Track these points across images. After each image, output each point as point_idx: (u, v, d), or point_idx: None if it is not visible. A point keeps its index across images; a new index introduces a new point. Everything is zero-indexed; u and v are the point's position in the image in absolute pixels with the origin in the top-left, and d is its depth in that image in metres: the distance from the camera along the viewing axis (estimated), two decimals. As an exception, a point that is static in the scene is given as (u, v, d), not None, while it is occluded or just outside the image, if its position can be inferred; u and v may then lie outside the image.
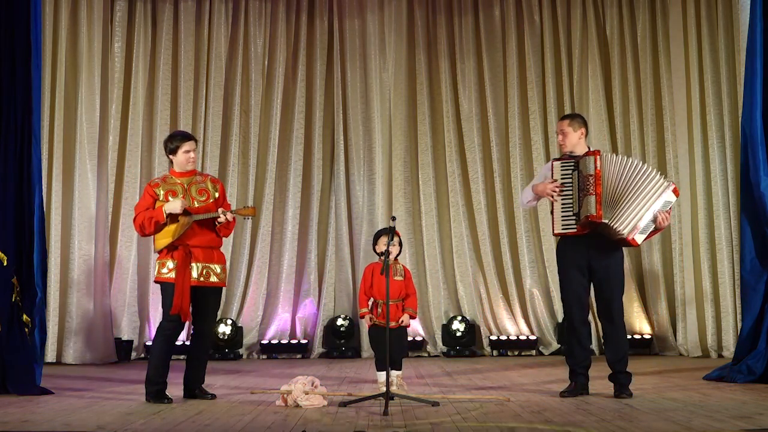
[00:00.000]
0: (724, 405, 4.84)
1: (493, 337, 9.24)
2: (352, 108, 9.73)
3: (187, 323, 5.49)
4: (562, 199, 5.37)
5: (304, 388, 5.10)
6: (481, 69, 9.81)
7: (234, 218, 5.52)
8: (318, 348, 9.25)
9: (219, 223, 5.45)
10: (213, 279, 5.49)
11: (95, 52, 8.99)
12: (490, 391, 5.77)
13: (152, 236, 5.49)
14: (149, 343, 8.94)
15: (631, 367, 5.49)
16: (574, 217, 5.31)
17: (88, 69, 8.96)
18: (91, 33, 8.99)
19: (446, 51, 9.81)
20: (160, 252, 5.44)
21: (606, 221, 5.19)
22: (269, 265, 9.49)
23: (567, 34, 9.80)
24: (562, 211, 5.36)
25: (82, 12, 8.98)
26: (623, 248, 5.50)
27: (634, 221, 5.20)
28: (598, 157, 5.25)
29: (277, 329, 9.36)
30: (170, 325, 5.36)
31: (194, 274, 5.38)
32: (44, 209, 6.40)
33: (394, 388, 5.42)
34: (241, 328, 9.20)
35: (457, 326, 9.13)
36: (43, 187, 6.41)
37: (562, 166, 5.44)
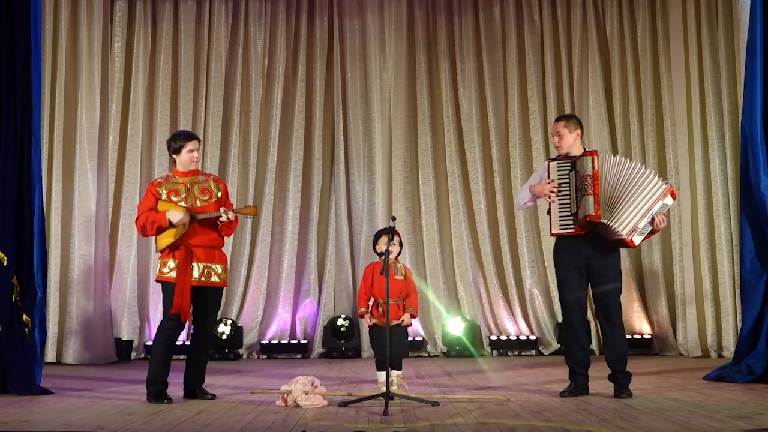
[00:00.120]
0: (724, 405, 4.84)
1: (493, 337, 9.24)
2: (352, 108, 9.73)
3: (187, 323, 5.49)
4: (559, 200, 5.37)
5: (304, 388, 5.09)
6: (481, 69, 9.81)
7: (236, 218, 5.52)
8: (318, 348, 9.25)
9: (221, 222, 5.45)
10: (214, 279, 5.49)
11: (95, 52, 8.99)
12: (490, 391, 5.77)
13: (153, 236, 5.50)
14: (149, 343, 8.94)
15: (631, 367, 5.49)
16: (571, 218, 5.31)
17: (88, 69, 8.96)
18: (91, 33, 8.99)
19: (446, 51, 9.81)
20: (161, 251, 5.44)
21: (605, 221, 5.20)
22: (269, 265, 9.49)
23: (567, 34, 9.80)
24: (560, 212, 5.36)
25: (82, 12, 8.98)
26: (624, 248, 5.49)
27: (633, 222, 5.21)
28: (595, 157, 5.25)
29: (277, 329, 9.37)
30: (171, 325, 5.36)
31: (195, 273, 5.38)
32: (44, 209, 6.40)
33: (394, 388, 5.42)
34: (241, 328, 9.20)
35: (457, 326, 9.13)
36: (43, 187, 6.41)
37: (558, 167, 5.44)
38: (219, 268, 5.51)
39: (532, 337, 9.24)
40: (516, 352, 9.23)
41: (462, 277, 9.54)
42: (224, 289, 5.72)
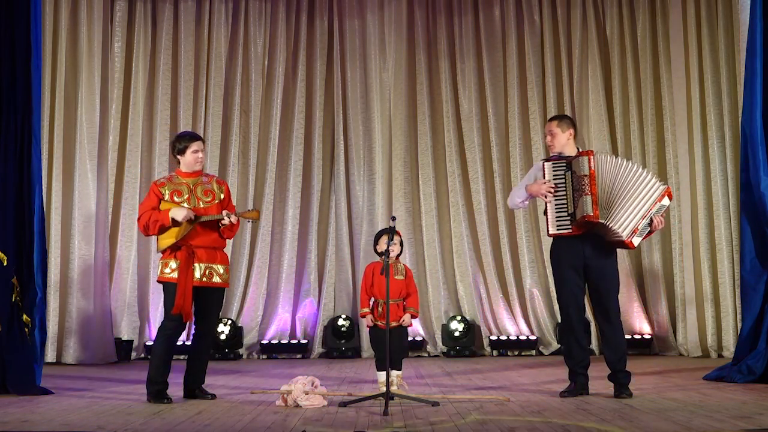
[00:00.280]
0: (724, 405, 4.84)
1: (493, 337, 9.24)
2: (352, 108, 9.73)
3: (189, 323, 5.49)
4: (555, 200, 5.37)
5: (304, 388, 5.10)
6: (481, 69, 9.81)
7: (238, 221, 5.53)
8: (318, 348, 9.25)
9: (223, 225, 5.46)
10: (216, 279, 5.49)
11: (95, 52, 9.00)
12: (490, 391, 5.77)
13: (155, 236, 5.50)
14: (149, 343, 8.95)
15: (631, 367, 5.49)
16: (569, 218, 5.31)
17: (88, 69, 8.96)
18: (91, 33, 9.00)
19: (446, 51, 9.81)
20: (163, 252, 5.44)
21: (603, 221, 5.20)
22: (269, 265, 9.49)
23: (567, 34, 9.81)
24: (557, 212, 5.36)
25: (82, 12, 8.98)
26: (622, 249, 5.50)
27: (633, 223, 5.21)
28: (591, 157, 5.26)
29: (277, 329, 9.37)
30: (172, 325, 5.36)
31: (197, 274, 5.39)
32: (44, 209, 6.40)
33: (394, 388, 5.42)
34: (241, 328, 9.20)
35: (456, 326, 9.13)
36: (43, 187, 6.41)
37: (553, 167, 5.44)
38: (221, 269, 5.51)
39: (532, 337, 9.24)
40: (516, 352, 9.23)
41: (462, 277, 9.54)
42: (226, 289, 5.72)
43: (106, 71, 9.12)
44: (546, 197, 5.39)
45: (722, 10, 8.65)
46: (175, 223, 5.36)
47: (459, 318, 9.21)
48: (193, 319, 5.49)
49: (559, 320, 9.01)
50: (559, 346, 9.06)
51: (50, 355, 8.38)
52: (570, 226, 5.32)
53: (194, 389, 5.54)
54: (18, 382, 5.81)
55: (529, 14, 9.81)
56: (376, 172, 9.63)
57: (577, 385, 5.39)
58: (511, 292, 9.49)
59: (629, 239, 5.23)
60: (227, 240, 5.64)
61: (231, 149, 9.58)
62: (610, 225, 5.20)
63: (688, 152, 8.97)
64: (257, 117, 9.66)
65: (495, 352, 9.24)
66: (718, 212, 8.60)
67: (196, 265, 5.38)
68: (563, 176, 5.37)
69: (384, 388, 5.05)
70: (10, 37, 6.23)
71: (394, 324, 5.74)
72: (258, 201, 9.56)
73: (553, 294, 9.27)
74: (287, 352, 9.17)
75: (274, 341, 9.21)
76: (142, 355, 9.01)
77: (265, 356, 9.20)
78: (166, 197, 5.44)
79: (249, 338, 9.26)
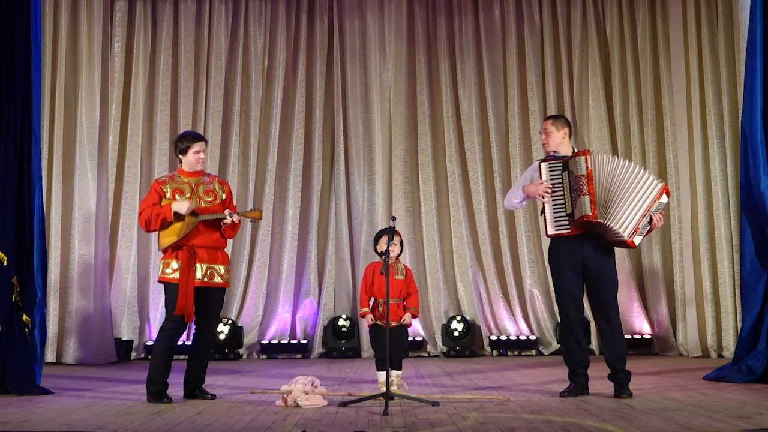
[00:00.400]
0: (724, 405, 4.84)
1: (493, 337, 9.24)
2: (352, 108, 9.73)
3: (188, 323, 5.49)
4: (553, 200, 5.37)
5: (304, 388, 5.10)
6: (481, 69, 9.81)
7: (240, 220, 5.53)
8: (318, 348, 9.25)
9: (225, 224, 5.46)
10: (217, 279, 5.49)
11: (95, 52, 9.00)
12: (490, 391, 5.77)
13: (156, 233, 5.49)
14: (149, 343, 8.95)
15: (631, 367, 5.49)
16: (567, 218, 5.32)
17: (88, 69, 8.96)
18: (91, 33, 9.00)
19: (446, 51, 9.81)
20: (164, 251, 5.44)
21: (601, 221, 5.20)
22: (269, 265, 9.49)
23: (567, 34, 9.80)
24: (555, 212, 5.37)
25: (82, 12, 8.98)
26: (623, 248, 5.50)
27: (633, 223, 5.21)
28: (588, 157, 5.27)
29: (277, 329, 9.36)
30: (173, 326, 5.36)
31: (198, 274, 5.39)
32: (44, 209, 6.40)
33: (394, 388, 5.42)
34: (241, 328, 9.20)
35: (456, 326, 9.13)
36: (43, 187, 6.41)
37: (550, 167, 5.44)
38: (222, 269, 5.51)
39: (532, 337, 9.24)
40: (516, 352, 9.23)
41: (462, 277, 9.54)
42: (226, 289, 5.72)
43: (106, 71, 9.12)
44: (543, 198, 5.39)
45: (722, 10, 8.65)
46: (177, 217, 5.35)
47: (459, 318, 9.21)
48: (194, 319, 5.49)
49: (559, 320, 9.06)
50: (559, 346, 9.06)
51: (50, 355, 8.38)
52: (569, 226, 5.32)
53: (194, 389, 5.54)
54: (18, 382, 5.81)
55: (529, 14, 9.81)
56: (376, 172, 9.63)
57: (577, 385, 5.39)
58: (511, 292, 9.49)
59: (630, 239, 5.23)
60: (227, 240, 5.65)
61: (231, 149, 9.58)
62: (610, 225, 5.20)
63: (688, 152, 8.97)
64: (257, 117, 9.66)
65: (495, 352, 9.24)
66: (718, 212, 8.60)
67: (198, 265, 5.38)
68: (560, 176, 5.37)
69: (384, 388, 5.05)
70: (10, 37, 6.23)
71: (394, 323, 5.74)
72: (258, 201, 9.56)
73: (553, 294, 9.29)
74: (287, 352, 9.17)
75: (274, 341, 9.21)
76: (142, 355, 9.00)
77: (265, 356, 9.20)
78: (168, 195, 5.44)
79: (249, 338, 9.26)
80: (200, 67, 9.61)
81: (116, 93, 9.34)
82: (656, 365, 7.75)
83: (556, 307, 9.20)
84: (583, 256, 5.35)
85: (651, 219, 5.27)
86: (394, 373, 5.69)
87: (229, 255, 8.92)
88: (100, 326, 8.70)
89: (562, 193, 5.35)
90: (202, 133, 9.30)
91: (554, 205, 5.37)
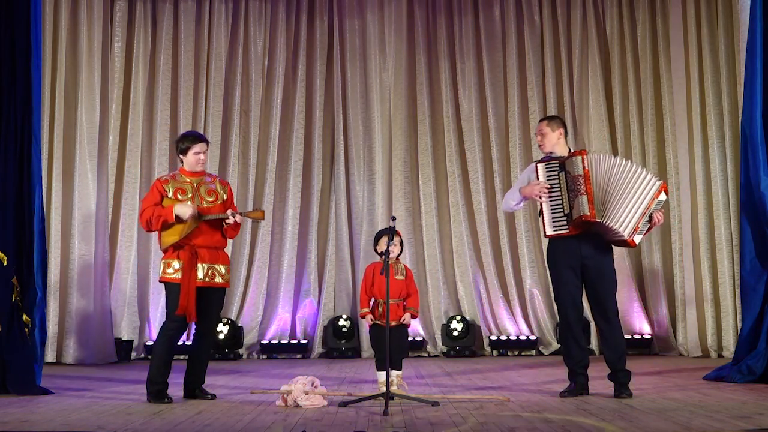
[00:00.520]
0: (724, 405, 4.84)
1: (493, 337, 9.24)
2: (352, 108, 9.73)
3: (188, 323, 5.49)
4: (550, 201, 5.37)
5: (304, 388, 5.10)
6: (481, 69, 9.81)
7: (242, 220, 5.53)
8: (318, 348, 9.25)
9: (227, 224, 5.47)
10: (218, 279, 5.50)
11: (95, 52, 9.00)
12: (490, 391, 5.77)
13: (157, 233, 5.49)
14: (149, 343, 8.95)
15: (631, 367, 5.49)
16: (565, 218, 5.32)
17: (88, 69, 8.96)
18: (91, 33, 9.00)
19: (446, 51, 9.81)
20: (165, 251, 5.44)
21: (600, 220, 5.20)
22: (269, 265, 9.49)
23: (567, 34, 9.80)
24: (552, 213, 5.37)
25: (82, 12, 8.98)
26: (625, 247, 5.50)
27: (633, 222, 5.21)
28: (584, 156, 5.27)
29: (277, 329, 9.36)
30: (174, 326, 5.36)
31: (200, 274, 5.39)
32: (44, 209, 6.40)
33: (394, 388, 5.42)
34: (241, 328, 9.20)
35: (456, 326, 9.13)
36: (43, 187, 6.41)
37: (546, 168, 5.44)
38: (222, 269, 5.52)
39: (532, 337, 9.24)
40: (516, 352, 9.23)
41: (462, 277, 9.54)
42: (226, 289, 5.72)
43: (106, 71, 9.12)
44: (540, 198, 5.39)
45: (722, 10, 8.65)
46: (178, 220, 5.36)
47: (459, 318, 9.21)
48: (196, 319, 5.49)
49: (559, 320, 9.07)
50: (559, 346, 9.05)
51: (50, 355, 8.38)
52: (567, 227, 5.32)
53: (194, 389, 5.54)
54: (18, 382, 5.81)
55: (529, 14, 9.81)
56: (376, 172, 9.63)
57: (577, 386, 5.39)
58: (511, 292, 9.49)
59: (631, 237, 5.23)
60: (228, 240, 5.65)
61: (231, 149, 9.58)
62: (610, 224, 5.20)
63: (688, 152, 8.97)
64: (257, 117, 9.66)
65: (495, 352, 9.24)
66: (718, 212, 8.60)
67: (199, 265, 5.39)
68: (557, 177, 5.37)
69: (384, 388, 5.05)
70: (10, 37, 6.23)
71: (394, 323, 5.74)
72: (258, 201, 9.56)
73: (553, 294, 9.31)
74: (287, 352, 9.17)
75: (274, 341, 9.21)
76: (142, 355, 9.00)
77: (265, 356, 9.20)
78: (170, 195, 5.44)
79: (249, 338, 9.26)
80: (200, 67, 9.61)
81: (116, 93, 9.34)
82: (656, 365, 7.75)
83: (556, 307, 9.24)
84: (582, 256, 5.36)
85: (651, 217, 5.28)
86: (394, 373, 5.68)
87: (229, 255, 8.96)
88: (99, 326, 8.70)
89: (559, 193, 5.35)
90: (202, 133, 9.38)
91: (552, 205, 5.37)
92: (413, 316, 5.91)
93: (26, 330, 5.96)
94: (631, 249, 9.07)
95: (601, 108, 9.63)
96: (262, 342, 9.21)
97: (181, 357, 7.70)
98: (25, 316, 5.98)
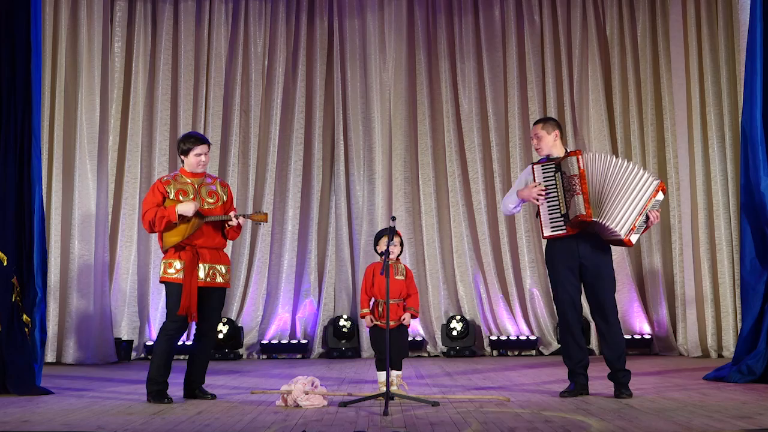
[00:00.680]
0: (724, 405, 4.84)
1: (493, 337, 9.24)
2: (352, 108, 9.73)
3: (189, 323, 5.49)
4: (547, 202, 5.38)
5: (304, 388, 5.10)
6: (481, 69, 9.81)
7: (244, 222, 5.54)
8: (318, 348, 9.25)
9: (230, 225, 5.47)
10: (219, 280, 5.50)
11: (95, 52, 9.00)
12: (490, 391, 5.77)
13: (158, 234, 5.49)
14: (149, 343, 8.95)
15: (631, 367, 5.49)
16: (562, 219, 5.32)
17: (88, 69, 8.96)
18: (91, 33, 9.00)
19: (446, 51, 9.81)
20: (165, 252, 5.44)
21: (596, 219, 5.20)
22: (269, 265, 9.49)
23: (567, 34, 9.80)
24: (550, 214, 5.37)
25: (82, 12, 8.98)
26: (623, 247, 5.49)
27: (630, 221, 5.21)
28: (579, 156, 5.27)
29: (277, 329, 9.36)
30: (174, 326, 5.37)
31: (201, 275, 5.40)
32: (44, 209, 6.40)
33: (394, 388, 5.42)
34: (241, 328, 9.20)
35: (456, 326, 9.13)
36: (43, 187, 6.41)
37: (543, 169, 5.45)
38: (223, 269, 5.53)
39: (532, 337, 9.23)
40: (516, 352, 9.23)
41: (462, 277, 9.54)
42: (226, 289, 5.73)
43: (106, 71, 9.12)
44: (537, 200, 5.40)
45: (722, 10, 8.65)
46: (182, 219, 5.36)
47: (459, 318, 9.21)
48: (197, 319, 5.49)
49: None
50: (560, 346, 9.05)
51: (50, 355, 8.38)
52: (564, 227, 5.32)
53: (194, 389, 5.54)
54: (18, 382, 5.81)
55: (529, 14, 9.81)
56: (376, 172, 9.63)
57: (577, 386, 5.40)
58: (511, 292, 9.49)
59: (627, 237, 5.23)
60: (228, 241, 5.66)
61: (231, 149, 9.58)
62: (606, 223, 5.20)
63: (688, 152, 8.97)
64: (257, 117, 9.67)
65: (495, 352, 9.24)
66: (718, 212, 8.60)
67: (201, 265, 5.40)
68: (553, 178, 5.38)
69: (384, 388, 5.05)
70: (10, 37, 6.23)
71: (393, 323, 5.74)
72: (258, 201, 9.56)
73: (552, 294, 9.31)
74: (287, 352, 9.17)
75: (274, 341, 9.21)
76: (142, 355, 9.01)
77: (265, 356, 9.20)
78: (171, 196, 5.44)
79: (249, 338, 9.26)
80: (200, 67, 9.61)
81: (116, 93, 9.34)
82: (656, 365, 7.75)
83: (555, 307, 9.25)
84: (580, 256, 5.36)
85: (647, 217, 5.28)
86: (394, 373, 5.69)
87: (229, 255, 8.96)
88: (99, 326, 8.70)
89: (556, 194, 5.35)
90: (203, 134, 9.38)
91: (549, 206, 5.38)
92: (413, 316, 5.91)
93: (26, 330, 5.97)
94: (631, 249, 9.10)
95: (601, 108, 9.63)
96: (262, 342, 9.21)
97: (182, 357, 7.71)
98: (25, 316, 5.99)
